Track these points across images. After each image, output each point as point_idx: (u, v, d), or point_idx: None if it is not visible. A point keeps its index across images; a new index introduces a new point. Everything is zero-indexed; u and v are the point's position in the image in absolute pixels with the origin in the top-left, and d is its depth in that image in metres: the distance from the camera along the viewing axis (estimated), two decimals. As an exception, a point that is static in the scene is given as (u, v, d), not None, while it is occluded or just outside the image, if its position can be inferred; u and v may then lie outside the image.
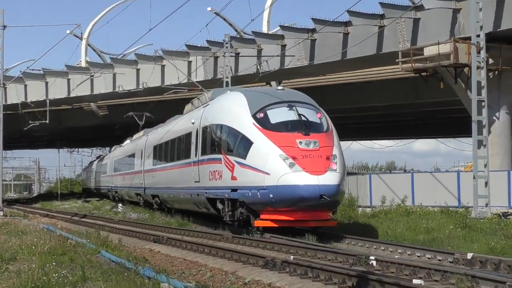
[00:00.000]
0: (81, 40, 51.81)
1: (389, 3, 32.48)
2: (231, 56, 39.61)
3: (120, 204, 46.22)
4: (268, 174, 20.85)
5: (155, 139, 37.21)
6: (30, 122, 52.72)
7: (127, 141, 52.55)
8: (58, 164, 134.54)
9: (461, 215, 26.38)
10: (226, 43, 39.26)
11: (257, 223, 21.62)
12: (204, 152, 25.52)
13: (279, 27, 39.80)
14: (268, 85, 46.52)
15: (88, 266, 14.24)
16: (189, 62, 43.69)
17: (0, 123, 40.93)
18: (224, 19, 44.52)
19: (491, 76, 30.75)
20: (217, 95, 26.93)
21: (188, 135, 28.19)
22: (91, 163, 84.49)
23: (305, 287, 12.83)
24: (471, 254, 15.24)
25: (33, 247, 17.04)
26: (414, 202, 33.38)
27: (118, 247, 19.55)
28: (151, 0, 60.07)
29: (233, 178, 22.45)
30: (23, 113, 54.48)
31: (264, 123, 22.03)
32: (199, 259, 17.50)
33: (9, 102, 51.37)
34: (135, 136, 49.46)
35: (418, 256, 17.10)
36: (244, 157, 21.87)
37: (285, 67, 38.20)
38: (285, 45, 38.02)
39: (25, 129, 54.16)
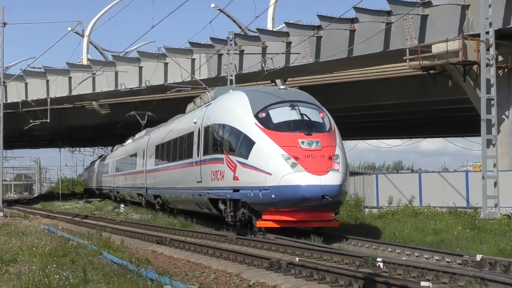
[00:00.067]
0: (83, 37, 51.90)
1: (396, -1, 32.50)
2: (235, 53, 39.62)
3: (122, 205, 46.26)
4: (270, 174, 20.96)
5: (157, 139, 37.28)
6: (31, 121, 52.74)
7: (129, 141, 52.61)
8: (59, 163, 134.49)
9: (469, 216, 26.34)
10: (230, 41, 39.27)
11: (259, 223, 21.70)
12: (206, 152, 25.61)
13: (284, 24, 39.75)
14: (273, 83, 46.57)
15: (90, 268, 14.26)
16: (193, 60, 43.72)
17: (0, 122, 40.98)
18: (228, 16, 44.57)
19: (500, 74, 30.72)
20: (219, 94, 27.06)
21: (190, 134, 28.30)
22: (92, 163, 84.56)
23: (311, 290, 12.84)
24: (480, 255, 15.21)
25: (34, 249, 17.06)
26: (421, 203, 33.35)
27: (120, 248, 19.56)
28: (154, -3, 60.07)
29: (235, 178, 22.55)
30: (24, 112, 54.53)
31: (266, 122, 22.14)
32: (203, 261, 17.50)
33: (9, 101, 51.42)
34: (137, 136, 49.52)
35: (426, 258, 17.07)
36: (246, 157, 21.97)
37: (290, 65, 38.18)
38: (290, 43, 37.97)
39: (25, 128, 54.20)
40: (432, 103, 49.56)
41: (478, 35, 28.93)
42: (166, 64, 45.47)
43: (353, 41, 34.82)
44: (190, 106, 32.41)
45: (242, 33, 42.53)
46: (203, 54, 43.05)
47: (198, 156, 26.72)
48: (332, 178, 20.73)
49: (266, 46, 39.40)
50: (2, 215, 38.34)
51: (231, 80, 38.62)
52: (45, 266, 14.24)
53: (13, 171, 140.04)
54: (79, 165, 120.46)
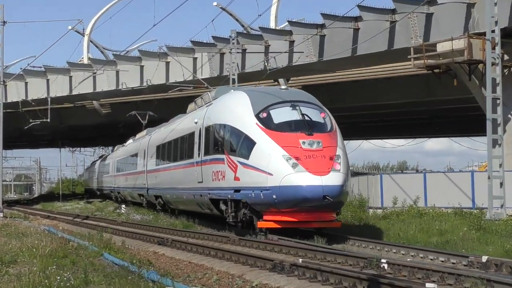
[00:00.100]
0: (83, 36, 51.93)
1: (400, -3, 32.46)
2: (238, 52, 39.61)
3: (123, 205, 46.31)
4: (271, 174, 21.09)
5: (158, 139, 37.38)
6: (31, 120, 52.78)
7: (130, 141, 52.70)
8: (59, 164, 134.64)
9: (475, 216, 26.33)
10: (233, 39, 39.25)
11: (260, 224, 21.83)
12: (207, 152, 25.74)
13: (287, 23, 39.76)
14: (276, 83, 46.56)
15: (91, 269, 14.26)
16: (195, 59, 43.71)
17: (0, 121, 40.99)
18: (231, 14, 44.55)
19: (506, 73, 30.68)
20: (220, 94, 27.20)
21: (191, 135, 28.43)
22: (93, 163, 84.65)
23: (314, 291, 12.83)
24: (486, 257, 15.19)
25: (34, 250, 17.06)
26: (426, 203, 33.34)
27: (122, 249, 19.58)
28: (155, -5, 60.08)
29: (236, 178, 22.69)
30: (24, 111, 54.56)
31: (267, 123, 22.29)
32: (205, 262, 17.50)
33: (9, 100, 51.47)
34: (138, 136, 49.60)
35: (431, 259, 17.07)
36: (247, 157, 22.11)
37: (293, 64, 38.16)
38: (294, 41, 37.96)
39: (25, 128, 54.23)
40: (437, 103, 49.54)
41: (483, 34, 28.91)
42: (167, 63, 45.47)
43: (357, 40, 34.80)
44: (191, 106, 32.51)
45: (245, 31, 42.50)
46: (205, 53, 43.05)
47: (199, 156, 26.83)
48: (333, 179, 20.87)
49: (269, 45, 39.39)
50: (2, 215, 38.36)
51: (233, 79, 38.61)
52: (45, 267, 14.24)
53: (13, 171, 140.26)
54: (80, 165, 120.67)
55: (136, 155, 44.66)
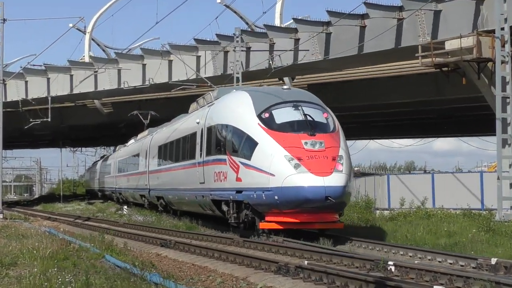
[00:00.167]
0: (85, 34, 51.95)
1: (408, -6, 32.41)
2: (242, 50, 39.62)
3: (125, 207, 46.38)
4: (273, 175, 21.26)
5: (160, 139, 37.53)
6: (31, 120, 52.80)
7: (132, 141, 52.81)
8: (60, 164, 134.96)
9: (484, 218, 26.33)
10: (237, 37, 39.27)
11: (262, 225, 21.99)
12: (209, 153, 25.92)
13: (292, 20, 39.76)
14: (281, 81, 46.59)
15: (92, 272, 14.28)
16: (198, 57, 43.73)
17: (-1, 121, 41.06)
18: (235, 12, 44.52)
19: (515, 71, 30.62)
20: (222, 94, 27.34)
21: (193, 135, 28.63)
22: (94, 163, 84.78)
23: (320, 294, 12.85)
24: (495, 259, 15.19)
25: (35, 252, 17.09)
26: (434, 204, 33.39)
27: (124, 251, 19.63)
28: (158, -8, 60.09)
29: (238, 179, 22.89)
30: (24, 110, 54.60)
31: (269, 123, 22.47)
32: (209, 264, 17.53)
33: (9, 99, 51.51)
34: (139, 136, 49.72)
35: (439, 261, 17.07)
36: (249, 158, 22.28)
37: (299, 62, 38.16)
38: (299, 39, 37.96)
39: (25, 127, 54.25)
40: (445, 102, 49.47)
41: (492, 31, 28.89)
42: (170, 62, 45.49)
43: (363, 38, 34.78)
44: (193, 106, 32.69)
45: (249, 29, 42.49)
46: (209, 51, 43.06)
47: (201, 157, 27.00)
48: (335, 179, 21.03)
49: (274, 43, 39.38)
50: (2, 217, 38.42)
51: (237, 78, 38.63)
52: (46, 269, 14.27)
53: (13, 172, 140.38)
54: (81, 165, 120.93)
55: (137, 155, 44.77)
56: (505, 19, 27.82)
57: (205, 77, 40.65)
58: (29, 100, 52.48)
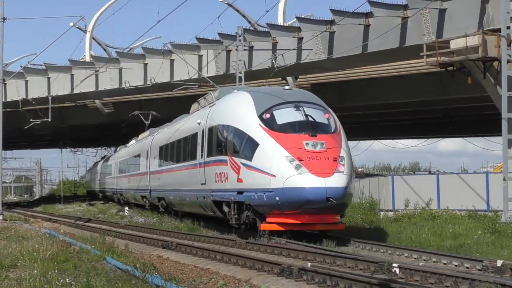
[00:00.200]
0: (85, 33, 52.01)
1: (413, -8, 32.39)
2: (245, 49, 39.60)
3: (127, 208, 46.42)
4: (274, 176, 21.47)
5: (161, 140, 37.65)
6: (31, 120, 52.83)
7: (133, 141, 52.89)
8: (60, 165, 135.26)
9: (490, 219, 26.31)
10: (239, 36, 39.26)
11: (263, 226, 22.19)
12: (210, 154, 26.09)
13: (295, 19, 39.72)
14: (284, 81, 46.58)
15: (93, 274, 14.30)
16: (200, 56, 43.74)
17: (-1, 121, 41.07)
18: (237, 10, 44.59)
19: (522, 71, 30.58)
20: (224, 94, 27.48)
21: (194, 135, 28.80)
22: (95, 164, 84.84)
23: (324, 296, 12.84)
24: (501, 261, 15.18)
25: (35, 253, 17.12)
26: (439, 206, 33.34)
27: (125, 253, 19.64)
28: (159, -9, 60.15)
29: (239, 180, 23.08)
30: (24, 110, 54.64)
31: (270, 124, 22.69)
32: (211, 266, 17.54)
33: (9, 99, 51.57)
34: (140, 136, 49.82)
35: (444, 264, 17.07)
36: (250, 158, 22.48)
37: (302, 61, 38.15)
38: (302, 38, 37.95)
39: (26, 127, 54.29)
40: (451, 101, 49.43)
41: (498, 30, 28.86)
42: (172, 61, 45.51)
43: (367, 37, 34.76)
44: (194, 106, 32.87)
45: (252, 28, 42.51)
46: (211, 51, 43.06)
47: (202, 157, 27.18)
48: (337, 180, 21.24)
49: (277, 42, 39.37)
50: (1, 218, 38.45)
51: (240, 78, 38.62)
52: (46, 271, 14.29)
53: (13, 172, 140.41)
54: (82, 166, 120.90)
55: (138, 156, 44.87)
56: (511, 18, 27.76)
57: (207, 77, 40.65)
58: (29, 100, 52.53)
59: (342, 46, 36.21)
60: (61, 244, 19.78)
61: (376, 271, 14.89)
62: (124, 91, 49.76)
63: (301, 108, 23.06)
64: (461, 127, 67.33)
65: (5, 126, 42.08)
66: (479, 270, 15.49)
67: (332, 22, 36.01)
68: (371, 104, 51.69)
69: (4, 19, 40.60)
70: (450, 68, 32.79)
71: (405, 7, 33.20)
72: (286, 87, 26.16)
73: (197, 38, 42.80)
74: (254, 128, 22.77)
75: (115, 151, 71.41)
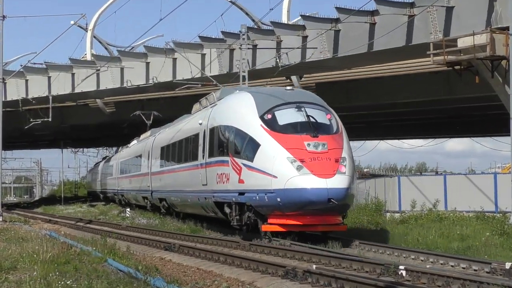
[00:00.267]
0: (86, 31, 52.01)
1: (420, -10, 32.36)
2: (248, 48, 39.57)
3: (128, 209, 46.48)
4: (276, 177, 21.70)
5: (163, 140, 37.79)
6: (31, 120, 52.89)
7: (134, 142, 52.98)
8: (61, 165, 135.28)
9: (498, 221, 26.29)
10: (243, 35, 39.23)
11: (265, 227, 22.44)
12: (211, 154, 26.29)
13: (300, 17, 39.70)
14: (288, 80, 46.57)
15: (94, 276, 14.31)
16: (203, 55, 43.74)
17: (-1, 121, 41.10)
18: (241, 9, 44.61)
19: (531, 70, 30.54)
20: (225, 95, 27.69)
21: (196, 136, 29.01)
22: (96, 164, 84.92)
23: (329, 299, 12.83)
24: (510, 263, 15.15)
25: (35, 255, 17.14)
26: (447, 207, 33.34)
27: (126, 255, 19.66)
28: (162, -12, 60.17)
29: (241, 181, 23.28)
30: (24, 110, 54.71)
31: (272, 124, 22.94)
32: (214, 269, 17.54)
33: (8, 99, 51.61)
34: (142, 136, 49.89)
35: (452, 266, 17.05)
36: (252, 159, 22.70)
37: (307, 60, 38.12)
38: (307, 37, 37.90)
39: (26, 127, 54.36)
40: (458, 101, 49.37)
41: (507, 28, 28.83)
42: (174, 60, 45.51)
43: (373, 35, 34.71)
44: (196, 106, 33.08)
45: (256, 26, 42.52)
46: (214, 49, 43.04)
47: (203, 158, 27.40)
48: (338, 181, 21.47)
49: (281, 41, 39.33)
50: (1, 219, 38.48)
51: (243, 77, 38.57)
52: (46, 274, 14.30)
53: (12, 173, 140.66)
54: (82, 166, 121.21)
55: (140, 156, 44.96)
56: (520, 16, 27.75)
57: (211, 76, 40.66)
58: (30, 99, 52.57)
59: (347, 45, 36.17)
60: (61, 246, 19.80)
61: (382, 274, 14.89)
62: (126, 90, 49.78)
63: (302, 109, 23.30)
64: (469, 127, 67.28)
65: (5, 126, 42.09)
66: (487, 272, 15.48)
67: (337, 20, 35.96)
68: (377, 104, 51.64)
69: (4, 17, 40.61)
70: (457, 67, 32.74)
71: (411, 5, 33.16)
72: (288, 88, 26.33)
73: (200, 37, 42.80)
74: (255, 128, 22.99)
75: (116, 152, 71.45)
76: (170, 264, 19.45)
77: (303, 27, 38.35)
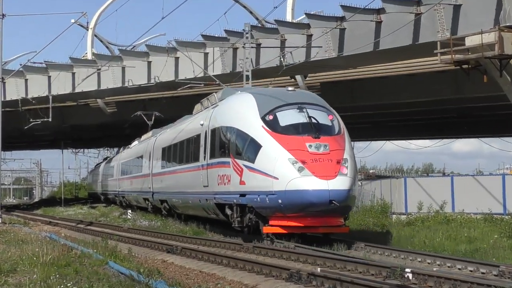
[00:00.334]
0: (87, 30, 52.03)
1: (426, -12, 32.34)
2: (252, 47, 39.58)
3: (130, 211, 46.52)
4: (277, 178, 21.87)
5: (164, 141, 37.85)
6: (31, 120, 52.93)
7: (135, 142, 53.01)
8: (61, 166, 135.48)
9: (506, 223, 26.27)
10: (246, 33, 39.23)
11: (266, 229, 22.59)
12: (212, 155, 26.43)
13: (304, 15, 39.67)
14: (293, 79, 46.57)
15: (95, 279, 14.32)
16: (206, 54, 43.74)
17: (-2, 121, 41.13)
18: (244, 7, 44.53)
19: (540, 69, 30.52)
20: (227, 95, 27.85)
21: (197, 137, 29.17)
22: (97, 165, 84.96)
23: (334, 303, 12.83)
24: (518, 266, 15.17)
25: (35, 258, 17.16)
26: (454, 209, 33.31)
27: (128, 257, 19.68)
28: (164, -14, 60.12)
29: (242, 182, 23.44)
30: (24, 110, 54.75)
31: (273, 125, 23.12)
32: (217, 271, 17.55)
33: (8, 98, 51.61)
34: (143, 137, 49.93)
35: (459, 269, 17.05)
36: (253, 161, 22.87)
37: (311, 59, 38.10)
38: (311, 35, 37.88)
39: (25, 127, 54.41)
40: (466, 101, 49.34)
41: (515, 27, 28.79)
42: (177, 59, 45.51)
43: (379, 34, 34.69)
44: (197, 107, 33.20)
45: (259, 25, 42.44)
46: (217, 48, 43.03)
47: (204, 159, 27.53)
48: (340, 183, 21.62)
49: (285, 39, 39.32)
50: (0, 221, 38.52)
51: (247, 76, 38.60)
52: (46, 276, 14.32)
53: (12, 174, 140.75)
54: (83, 167, 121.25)
55: (141, 157, 45.00)
56: (529, 14, 27.73)
57: (213, 75, 40.66)
58: (29, 99, 52.62)
59: (352, 44, 36.15)
60: (62, 248, 19.83)
61: (388, 277, 14.89)
62: (127, 90, 49.80)
63: (304, 110, 23.45)
64: (476, 127, 67.19)
65: (4, 126, 42.12)
66: (495, 275, 15.47)
67: (342, 19, 35.94)
68: (383, 104, 51.61)
69: (3, 15, 40.66)
70: (465, 66, 32.69)
71: (418, 3, 33.13)
72: (290, 88, 26.46)
73: (202, 35, 42.79)
74: (257, 130, 23.15)
75: (117, 152, 71.52)
76: (172, 267, 19.47)
77: (307, 26, 38.31)
